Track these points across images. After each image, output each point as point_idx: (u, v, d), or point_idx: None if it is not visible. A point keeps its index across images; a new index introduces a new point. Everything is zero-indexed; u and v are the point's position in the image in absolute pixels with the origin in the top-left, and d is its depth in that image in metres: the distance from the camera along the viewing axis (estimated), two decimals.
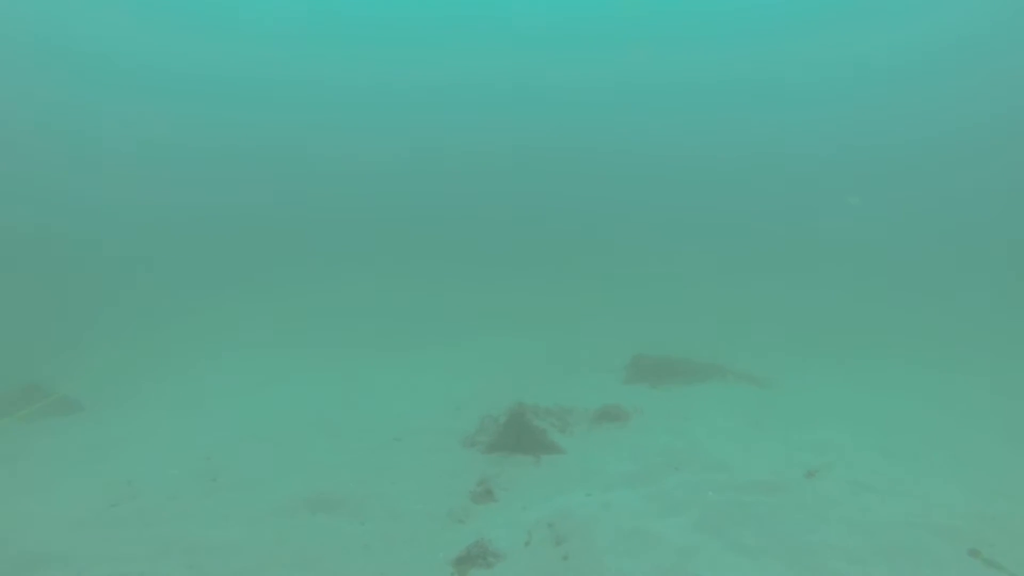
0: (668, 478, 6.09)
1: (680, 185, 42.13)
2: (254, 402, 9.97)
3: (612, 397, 9.52)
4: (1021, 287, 19.29)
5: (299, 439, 7.83)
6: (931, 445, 7.18)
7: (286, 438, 7.88)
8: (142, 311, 18.08)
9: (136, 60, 43.21)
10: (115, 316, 17.62)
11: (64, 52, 41.18)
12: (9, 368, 11.95)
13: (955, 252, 26.30)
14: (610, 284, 23.22)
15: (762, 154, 42.66)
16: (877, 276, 23.25)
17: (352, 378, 11.53)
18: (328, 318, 17.71)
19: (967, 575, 4.23)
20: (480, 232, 33.91)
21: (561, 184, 42.34)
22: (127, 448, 7.79)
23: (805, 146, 42.38)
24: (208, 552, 4.88)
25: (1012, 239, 26.06)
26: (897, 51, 41.26)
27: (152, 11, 42.16)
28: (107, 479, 6.53)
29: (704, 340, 14.73)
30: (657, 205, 39.19)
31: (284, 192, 39.55)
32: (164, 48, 43.33)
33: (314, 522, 5.41)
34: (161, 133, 41.78)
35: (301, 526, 5.34)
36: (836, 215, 33.63)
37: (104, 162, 37.89)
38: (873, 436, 7.42)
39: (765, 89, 45.50)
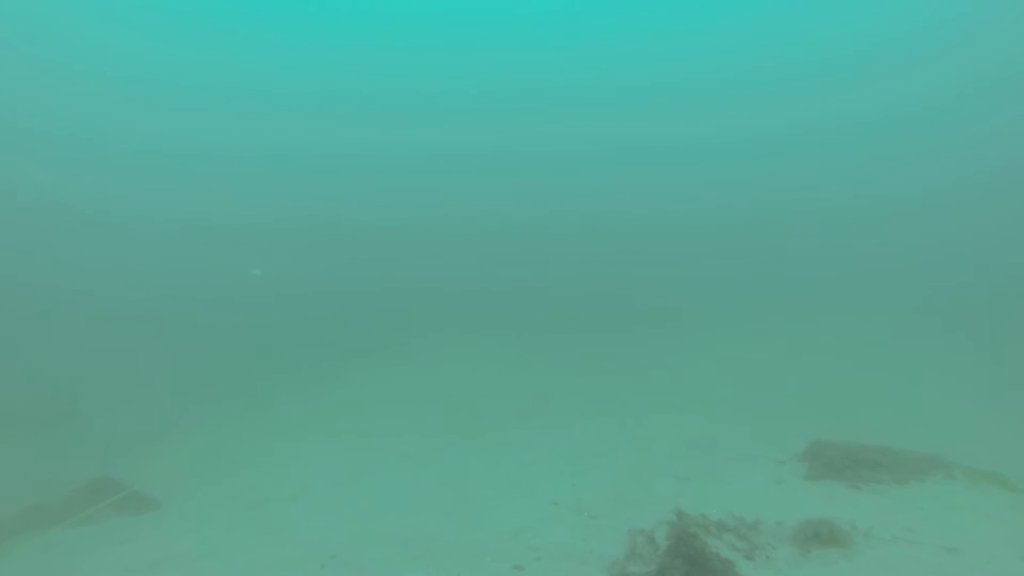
0: None
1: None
2: (335, 508, 8.11)
3: (802, 503, 6.88)
4: None
5: (385, 567, 5.80)
6: None
7: (369, 565, 5.88)
8: (229, 396, 17.12)
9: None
10: (202, 402, 16.74)
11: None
12: (83, 459, 11.00)
13: None
14: (752, 351, 19.67)
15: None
16: None
17: (452, 473, 9.45)
18: (421, 401, 15.81)
19: None
20: (598, 297, 31.00)
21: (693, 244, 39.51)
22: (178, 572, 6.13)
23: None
24: None
25: None
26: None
27: None
28: None
29: (887, 415, 11.58)
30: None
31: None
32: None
33: None
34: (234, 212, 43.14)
35: None
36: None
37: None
38: None
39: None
